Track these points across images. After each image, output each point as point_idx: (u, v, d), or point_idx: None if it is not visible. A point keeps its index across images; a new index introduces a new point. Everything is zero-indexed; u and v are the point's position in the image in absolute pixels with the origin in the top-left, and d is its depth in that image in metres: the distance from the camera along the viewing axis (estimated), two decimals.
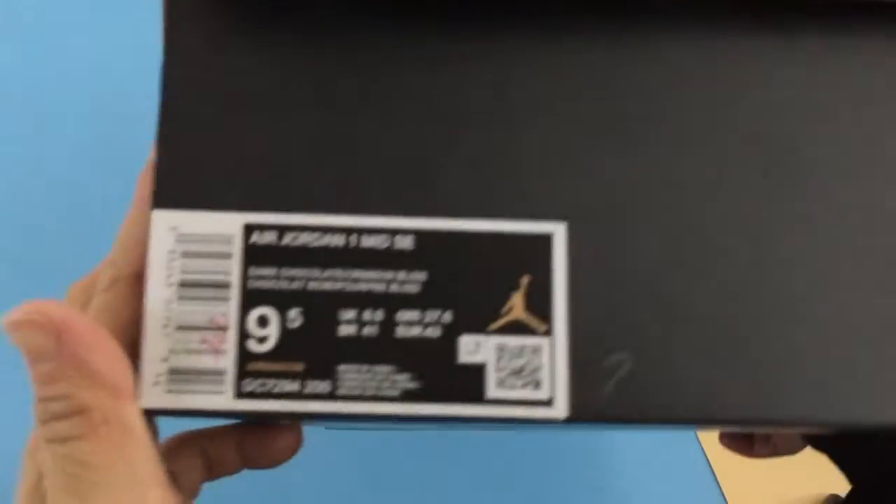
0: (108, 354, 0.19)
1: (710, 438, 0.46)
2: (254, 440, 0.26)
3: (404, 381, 0.20)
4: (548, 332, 0.20)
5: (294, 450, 0.26)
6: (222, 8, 0.20)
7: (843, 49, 0.21)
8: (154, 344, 0.19)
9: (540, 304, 0.20)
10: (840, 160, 0.21)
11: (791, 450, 0.41)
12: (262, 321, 0.20)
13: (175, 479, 0.23)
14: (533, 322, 0.20)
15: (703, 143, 0.21)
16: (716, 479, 0.46)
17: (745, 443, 0.42)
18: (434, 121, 0.20)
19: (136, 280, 0.21)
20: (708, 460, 0.46)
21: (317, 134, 0.20)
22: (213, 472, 0.26)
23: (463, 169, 0.20)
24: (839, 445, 0.34)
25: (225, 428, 0.26)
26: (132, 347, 0.20)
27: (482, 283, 0.20)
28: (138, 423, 0.19)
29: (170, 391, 0.19)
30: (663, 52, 0.21)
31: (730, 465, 0.46)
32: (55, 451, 0.19)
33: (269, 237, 0.20)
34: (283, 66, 0.20)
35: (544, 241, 0.20)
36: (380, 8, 0.21)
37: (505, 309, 0.20)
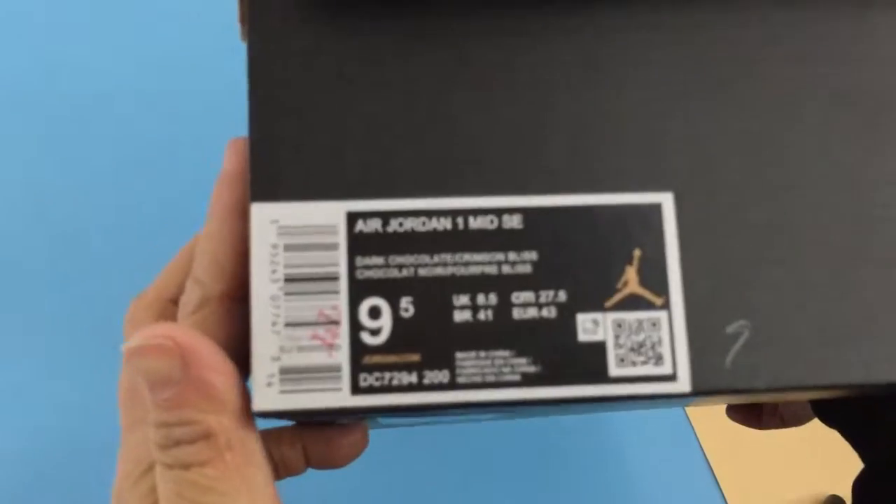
0: (230, 378, 0.18)
1: (710, 439, 0.46)
2: (319, 441, 0.25)
3: (524, 364, 0.19)
4: (665, 305, 0.19)
5: (360, 449, 0.26)
6: None
7: None
8: (263, 343, 0.19)
9: (654, 277, 0.19)
10: None
11: (798, 420, 0.41)
12: (374, 312, 0.19)
13: None
14: (649, 295, 0.19)
15: (800, 103, 0.20)
16: (716, 479, 0.46)
17: (754, 415, 0.42)
18: (530, 96, 0.20)
19: (227, 299, 0.20)
20: (708, 461, 0.46)
21: (414, 114, 0.20)
22: (279, 473, 0.25)
23: (564, 144, 0.20)
24: (852, 420, 0.34)
25: (289, 429, 0.26)
26: None
27: (594, 259, 0.19)
28: (258, 448, 0.19)
29: (283, 392, 0.18)
30: (755, 12, 0.21)
31: (730, 466, 0.46)
32: (178, 477, 0.18)
33: (373, 224, 0.19)
34: (374, 44, 0.20)
35: (653, 211, 0.20)
36: None
37: (619, 284, 0.19)
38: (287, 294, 0.19)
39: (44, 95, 0.47)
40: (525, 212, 0.19)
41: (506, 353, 0.19)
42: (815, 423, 0.46)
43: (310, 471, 0.25)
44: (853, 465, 0.34)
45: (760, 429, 0.42)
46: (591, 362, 0.19)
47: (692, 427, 0.46)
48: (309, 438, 0.25)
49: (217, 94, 0.45)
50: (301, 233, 0.19)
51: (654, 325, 0.19)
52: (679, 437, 0.46)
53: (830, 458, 0.45)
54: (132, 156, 0.46)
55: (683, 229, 0.20)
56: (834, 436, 0.37)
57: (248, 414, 0.19)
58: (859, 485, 0.33)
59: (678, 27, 0.20)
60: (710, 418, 0.47)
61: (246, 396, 0.19)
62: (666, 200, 0.20)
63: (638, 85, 0.20)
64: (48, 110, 0.46)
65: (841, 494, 0.48)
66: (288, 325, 0.19)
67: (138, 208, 0.45)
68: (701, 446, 0.46)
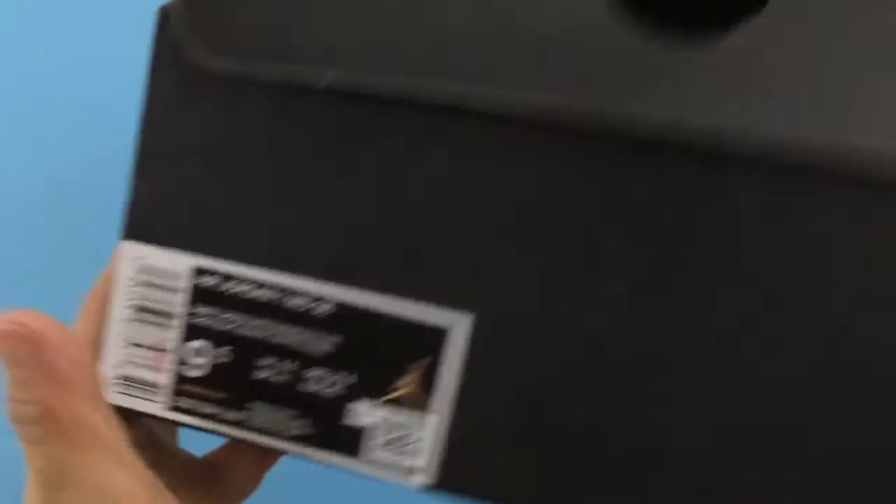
0: (79, 363, 0.21)
1: None
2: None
3: (301, 426, 0.23)
4: (432, 413, 0.22)
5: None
6: (199, 66, 0.23)
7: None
8: (111, 353, 0.24)
9: (431, 387, 0.22)
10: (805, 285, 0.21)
11: None
12: (198, 352, 0.23)
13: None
14: (421, 401, 0.22)
15: (605, 247, 0.21)
16: None
17: None
18: (371, 198, 0.22)
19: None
20: None
21: (267, 193, 0.23)
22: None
23: (391, 250, 0.22)
24: None
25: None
26: None
27: (385, 358, 0.22)
28: (106, 427, 0.21)
29: (119, 393, 0.24)
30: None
31: None
32: (31, 452, 0.21)
33: (212, 281, 0.23)
34: (243, 119, 0.22)
35: (446, 332, 0.22)
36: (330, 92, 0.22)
37: (400, 384, 0.22)
38: (134, 320, 0.23)
39: (43, 96, 0.47)
40: (339, 303, 0.23)
41: (290, 413, 0.23)
42: None
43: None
44: None
45: None
46: (353, 440, 0.23)
47: None
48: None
49: None
50: (155, 273, 0.23)
51: (415, 426, 0.22)
52: None
53: None
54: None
55: (473, 354, 0.22)
56: None
57: (98, 397, 0.22)
58: None
59: (505, 164, 0.22)
60: None
61: (99, 382, 0.22)
62: (462, 324, 0.22)
63: (467, 214, 0.22)
64: (50, 112, 0.47)
65: None
66: (130, 343, 0.23)
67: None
68: None
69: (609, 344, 0.21)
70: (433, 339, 0.22)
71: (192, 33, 0.22)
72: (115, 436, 0.22)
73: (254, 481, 0.28)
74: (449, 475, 0.22)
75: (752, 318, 0.20)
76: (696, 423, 0.21)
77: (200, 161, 0.23)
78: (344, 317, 0.23)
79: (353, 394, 0.23)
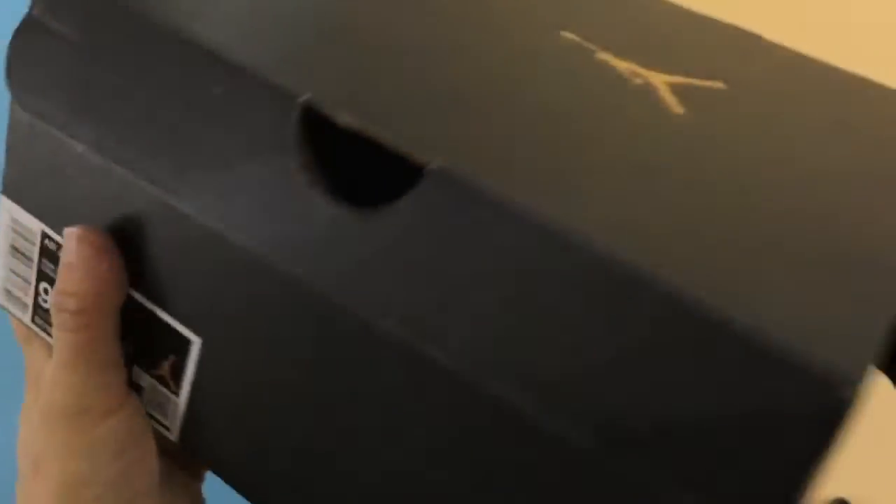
0: (121, 275, 0.27)
1: None
2: None
3: None
4: (177, 395, 0.28)
5: None
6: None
7: None
8: (1, 269, 0.31)
9: (178, 378, 0.28)
10: None
11: None
12: (45, 291, 0.30)
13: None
14: (171, 386, 0.28)
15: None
16: None
17: None
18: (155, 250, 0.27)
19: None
20: None
21: (88, 208, 0.28)
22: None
23: (161, 276, 0.27)
24: None
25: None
26: None
27: (154, 345, 0.28)
28: (113, 328, 0.28)
29: (4, 299, 0.32)
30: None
31: None
32: (61, 336, 0.27)
33: (52, 246, 0.29)
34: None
35: (188, 342, 0.27)
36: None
37: (161, 366, 0.28)
38: (9, 254, 0.31)
39: None
40: (128, 295, 0.28)
41: None
42: None
43: None
44: (860, 467, 0.37)
45: None
46: (139, 391, 0.29)
47: None
48: None
49: None
50: (21, 227, 0.30)
51: (169, 400, 0.29)
52: None
53: (836, 459, 0.46)
54: None
55: (202, 362, 0.27)
56: None
57: (116, 301, 0.28)
58: None
59: None
60: None
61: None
62: (196, 340, 0.27)
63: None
64: None
65: (846, 497, 0.50)
66: (9, 269, 0.31)
67: None
68: None
69: (302, 385, 0.26)
70: (182, 344, 0.27)
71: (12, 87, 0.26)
72: (117, 341, 0.28)
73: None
74: (186, 443, 0.29)
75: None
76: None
77: (54, 166, 0.28)
78: (131, 306, 0.28)
79: (135, 362, 0.29)
